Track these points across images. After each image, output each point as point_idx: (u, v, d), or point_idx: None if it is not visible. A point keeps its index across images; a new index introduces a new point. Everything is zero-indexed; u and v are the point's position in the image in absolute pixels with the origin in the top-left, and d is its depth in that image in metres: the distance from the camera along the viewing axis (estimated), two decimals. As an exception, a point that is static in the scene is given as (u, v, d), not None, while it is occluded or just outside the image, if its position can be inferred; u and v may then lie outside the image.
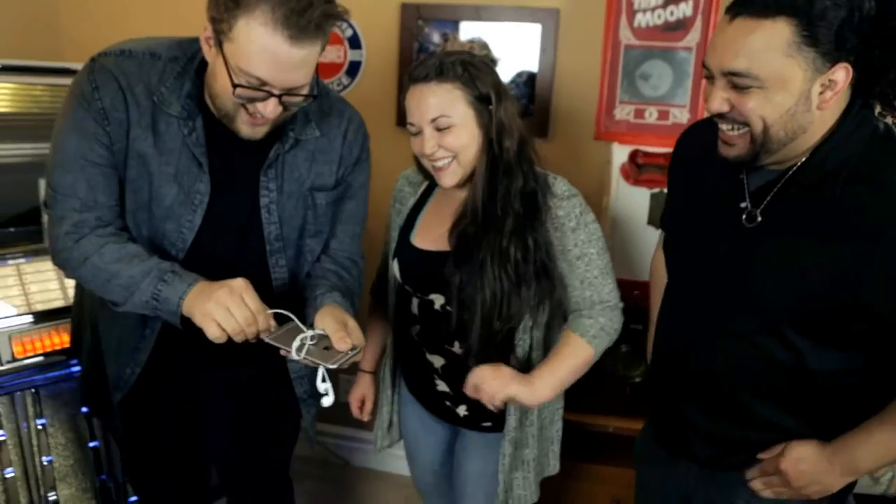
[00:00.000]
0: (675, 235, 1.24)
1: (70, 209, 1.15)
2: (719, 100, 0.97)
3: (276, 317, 1.09)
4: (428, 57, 1.27)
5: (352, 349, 1.05)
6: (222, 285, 1.07)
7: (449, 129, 1.24)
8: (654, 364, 1.29)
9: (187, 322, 1.10)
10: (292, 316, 1.10)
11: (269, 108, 1.08)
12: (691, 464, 1.19)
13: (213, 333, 1.05)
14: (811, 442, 1.06)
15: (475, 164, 1.28)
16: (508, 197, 1.27)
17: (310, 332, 1.06)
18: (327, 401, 1.04)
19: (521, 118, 1.31)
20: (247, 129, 1.14)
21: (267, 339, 1.08)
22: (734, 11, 0.94)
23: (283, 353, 1.08)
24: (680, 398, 1.17)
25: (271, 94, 1.07)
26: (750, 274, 1.04)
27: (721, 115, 0.99)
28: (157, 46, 1.18)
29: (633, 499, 1.82)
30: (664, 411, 1.24)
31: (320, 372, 1.04)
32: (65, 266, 1.20)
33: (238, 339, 1.07)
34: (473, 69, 1.24)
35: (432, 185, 1.44)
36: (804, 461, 1.05)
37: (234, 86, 1.05)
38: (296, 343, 1.05)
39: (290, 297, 1.28)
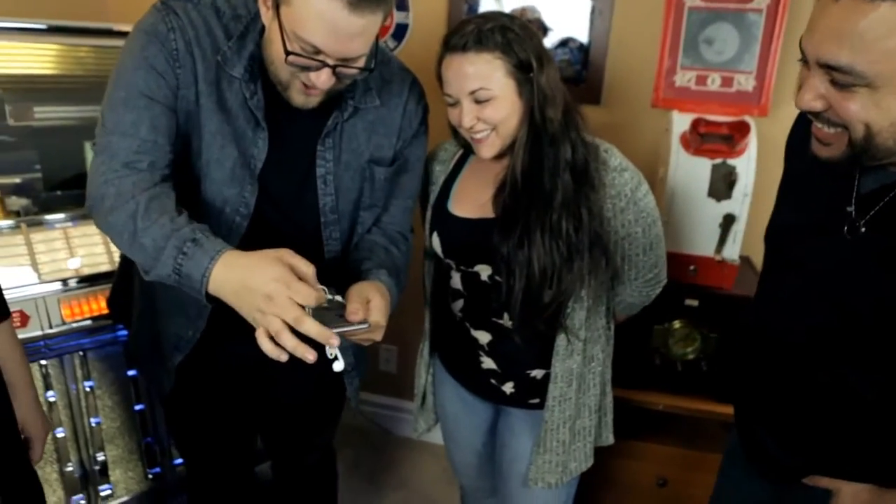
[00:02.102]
0: (775, 227, 1.09)
1: (126, 148, 1.06)
2: (813, 96, 0.79)
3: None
4: (464, 23, 1.19)
5: (360, 323, 1.01)
6: (261, 278, 0.92)
7: (488, 102, 1.18)
8: (738, 363, 1.19)
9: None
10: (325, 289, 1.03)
11: (323, 79, 1.03)
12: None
13: (270, 351, 0.92)
14: (862, 491, 0.98)
15: (516, 134, 1.22)
16: (557, 168, 1.20)
17: (325, 297, 1.02)
18: (337, 366, 1.00)
19: (565, 84, 1.24)
20: (300, 98, 1.09)
21: None
22: None
23: None
24: (751, 410, 1.10)
25: (325, 64, 1.02)
26: (841, 295, 0.90)
27: (815, 114, 0.82)
28: (222, 1, 1.13)
29: (678, 479, 1.80)
30: (742, 425, 1.15)
31: None
32: (100, 204, 1.08)
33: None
34: (513, 35, 1.16)
35: (466, 152, 1.38)
36: None
37: (287, 53, 1.00)
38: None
39: (341, 270, 1.25)
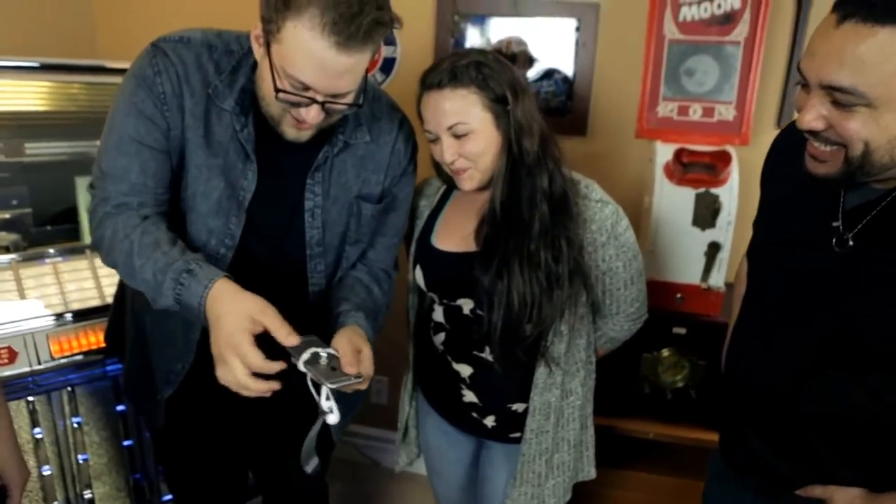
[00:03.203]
0: (761, 244, 1.12)
1: (117, 191, 1.13)
2: (814, 116, 0.83)
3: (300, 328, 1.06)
4: (440, 62, 1.23)
5: (356, 376, 1.02)
6: (232, 314, 0.99)
7: (467, 136, 1.20)
8: (723, 382, 1.21)
9: None
10: (315, 339, 1.06)
11: (312, 114, 1.05)
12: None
13: (221, 377, 1.00)
14: (856, 497, 0.99)
15: (495, 166, 1.24)
16: (534, 199, 1.22)
17: (324, 351, 1.03)
18: (332, 419, 1.01)
19: (550, 115, 1.27)
20: (292, 132, 1.12)
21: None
22: (843, 13, 0.78)
23: (293, 359, 1.03)
24: (743, 422, 1.10)
25: (314, 101, 1.04)
26: (833, 305, 0.93)
27: (814, 133, 0.86)
28: (214, 38, 1.16)
29: (671, 507, 1.79)
30: (728, 432, 1.17)
31: (324, 390, 1.01)
32: (99, 246, 1.17)
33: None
34: (488, 69, 1.19)
35: (450, 187, 1.40)
36: None
37: (277, 90, 1.03)
38: (305, 355, 1.01)
39: (324, 305, 1.26)
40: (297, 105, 1.05)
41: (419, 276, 1.37)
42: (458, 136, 1.20)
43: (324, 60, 0.98)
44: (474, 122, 1.19)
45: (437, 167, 1.33)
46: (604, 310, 1.36)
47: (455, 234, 1.34)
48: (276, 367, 0.98)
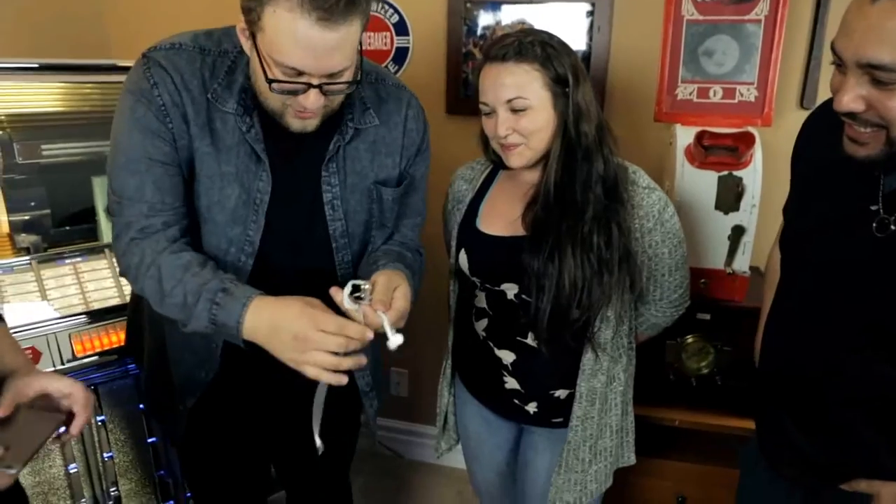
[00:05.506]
0: (793, 230, 1.11)
1: (138, 214, 1.09)
2: (853, 97, 0.81)
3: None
4: (505, 36, 1.23)
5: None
6: (287, 319, 1.00)
7: (524, 112, 1.20)
8: (759, 369, 1.20)
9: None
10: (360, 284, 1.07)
11: (311, 100, 1.01)
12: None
13: (316, 376, 1.00)
14: None
15: (547, 147, 1.24)
16: (589, 182, 1.22)
17: (364, 283, 1.06)
18: (395, 341, 1.01)
19: (597, 101, 1.27)
20: (297, 123, 1.08)
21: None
22: None
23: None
24: (779, 408, 1.08)
25: (310, 85, 0.99)
26: (874, 288, 0.92)
27: (852, 115, 0.84)
28: (206, 40, 1.13)
29: (698, 496, 1.77)
30: (764, 420, 1.15)
31: (386, 319, 1.01)
32: (127, 274, 1.14)
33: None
34: (552, 50, 1.20)
35: (494, 170, 1.39)
36: None
37: (270, 81, 0.99)
38: (347, 289, 1.04)
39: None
40: (293, 93, 1.01)
41: (463, 260, 1.36)
42: (515, 111, 1.20)
43: (310, 40, 0.94)
44: (533, 99, 1.19)
45: (485, 145, 1.32)
46: (647, 296, 1.36)
47: (502, 219, 1.33)
48: (355, 327, 1.00)
